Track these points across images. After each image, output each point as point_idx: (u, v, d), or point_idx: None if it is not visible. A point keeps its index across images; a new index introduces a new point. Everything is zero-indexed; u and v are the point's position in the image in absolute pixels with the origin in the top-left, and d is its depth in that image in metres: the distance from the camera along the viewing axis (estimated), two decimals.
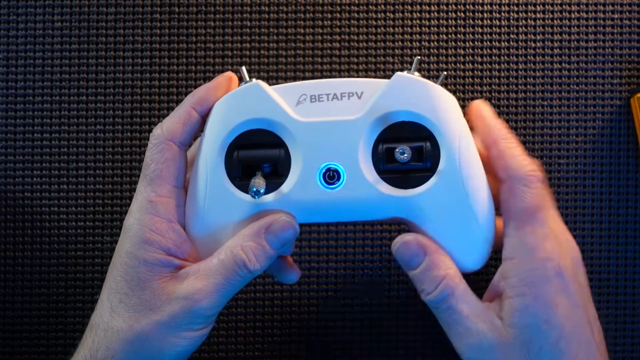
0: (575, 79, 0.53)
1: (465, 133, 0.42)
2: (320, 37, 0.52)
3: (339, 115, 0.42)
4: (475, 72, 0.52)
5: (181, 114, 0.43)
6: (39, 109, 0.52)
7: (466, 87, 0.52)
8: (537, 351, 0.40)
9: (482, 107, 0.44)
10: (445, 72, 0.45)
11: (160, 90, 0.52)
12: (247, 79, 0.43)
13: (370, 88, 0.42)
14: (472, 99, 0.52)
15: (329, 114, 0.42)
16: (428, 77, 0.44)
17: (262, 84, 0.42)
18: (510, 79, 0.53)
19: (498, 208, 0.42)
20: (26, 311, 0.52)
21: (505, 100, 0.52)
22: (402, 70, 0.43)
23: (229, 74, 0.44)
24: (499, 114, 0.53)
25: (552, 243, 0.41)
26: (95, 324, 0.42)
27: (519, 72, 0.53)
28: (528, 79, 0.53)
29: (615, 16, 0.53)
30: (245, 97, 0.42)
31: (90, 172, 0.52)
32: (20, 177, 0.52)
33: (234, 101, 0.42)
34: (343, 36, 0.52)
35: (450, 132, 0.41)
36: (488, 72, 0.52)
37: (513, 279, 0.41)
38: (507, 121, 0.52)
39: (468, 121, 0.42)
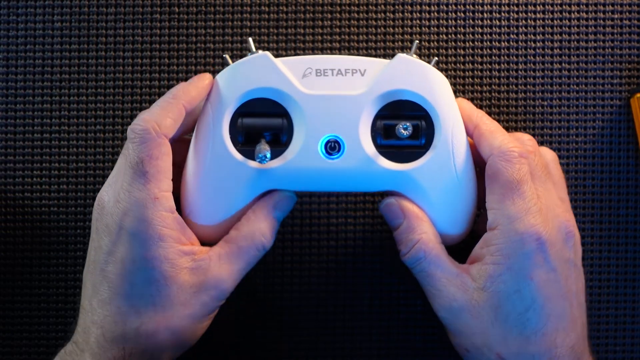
0: (575, 79, 0.53)
1: (458, 115, 0.45)
2: (320, 37, 0.52)
3: (343, 90, 0.44)
4: (475, 72, 0.52)
5: (175, 112, 0.43)
6: (39, 109, 0.52)
7: (466, 87, 0.52)
8: (504, 317, 0.43)
9: (462, 101, 0.46)
10: (436, 58, 0.47)
11: (160, 90, 0.52)
12: (254, 49, 0.45)
13: (373, 66, 0.44)
14: (472, 99, 0.52)
15: (333, 88, 0.44)
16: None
17: (270, 55, 0.44)
18: (510, 79, 0.53)
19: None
20: (26, 311, 0.52)
21: (505, 100, 0.52)
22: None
23: (210, 76, 0.45)
24: (499, 113, 0.53)
25: (534, 216, 0.43)
26: (120, 334, 0.42)
27: (519, 72, 0.53)
28: (528, 79, 0.53)
29: (615, 16, 0.53)
30: (253, 66, 0.44)
31: (90, 172, 0.52)
32: (20, 177, 0.52)
33: (243, 70, 0.44)
34: (343, 36, 0.52)
35: (446, 114, 0.44)
36: (488, 72, 0.52)
37: (492, 247, 0.43)
38: (507, 121, 0.52)
39: None
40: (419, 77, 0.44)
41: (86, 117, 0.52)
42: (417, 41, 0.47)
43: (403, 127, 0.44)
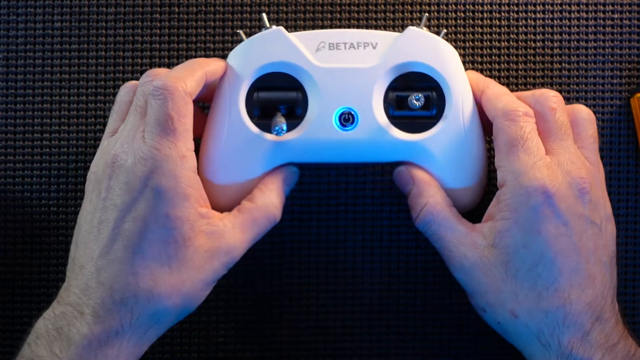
0: (575, 78, 0.53)
1: (468, 86, 0.46)
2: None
3: (355, 62, 0.45)
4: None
5: (199, 76, 0.44)
6: (39, 109, 0.52)
7: None
8: (514, 273, 0.43)
9: (470, 72, 0.48)
10: (445, 30, 0.48)
11: None
12: (268, 25, 0.47)
13: (385, 39, 0.46)
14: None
15: (346, 61, 0.45)
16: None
17: (283, 30, 0.46)
18: (511, 78, 0.53)
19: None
20: (26, 311, 0.52)
21: None
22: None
23: (224, 60, 0.46)
24: None
25: (540, 170, 0.43)
26: (132, 296, 0.41)
27: (519, 72, 0.53)
28: (528, 79, 0.53)
29: (615, 16, 0.53)
30: (268, 41, 0.46)
31: None
32: (20, 177, 0.52)
33: (257, 45, 0.46)
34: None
35: (456, 84, 0.46)
36: (488, 72, 0.52)
37: (501, 204, 0.44)
38: None
39: None
40: (430, 49, 0.46)
41: (86, 117, 0.52)
42: (427, 14, 0.48)
43: (415, 98, 0.45)
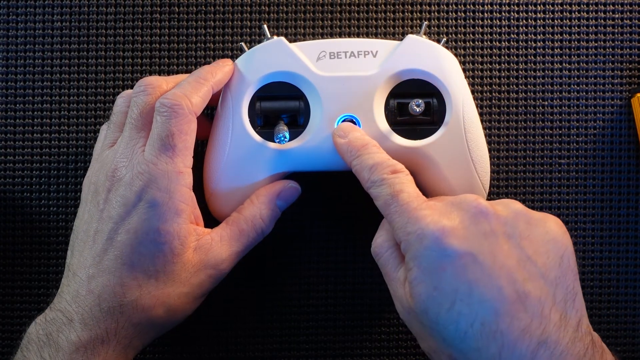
0: (575, 78, 0.53)
1: (468, 92, 0.47)
2: (320, 38, 0.52)
3: (356, 71, 0.46)
4: (476, 72, 0.52)
5: (204, 92, 0.44)
6: (39, 109, 0.52)
7: None
8: (435, 319, 0.39)
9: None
10: (445, 38, 0.49)
11: None
12: (269, 35, 0.47)
13: (385, 47, 0.46)
14: (473, 99, 0.52)
15: (347, 70, 0.46)
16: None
17: (285, 40, 0.46)
18: (511, 79, 0.52)
19: None
20: (25, 311, 0.52)
21: (505, 100, 0.52)
22: None
23: (231, 61, 0.47)
24: (500, 113, 0.52)
25: (426, 212, 0.40)
26: (118, 306, 0.42)
27: (519, 72, 0.52)
28: (528, 79, 0.52)
29: (616, 16, 0.53)
30: (269, 51, 0.46)
31: None
32: (20, 177, 0.52)
33: (259, 55, 0.46)
34: (343, 36, 0.52)
35: (456, 90, 0.46)
36: (488, 72, 0.52)
37: (405, 255, 0.41)
38: (507, 121, 0.52)
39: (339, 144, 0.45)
40: (429, 57, 0.46)
41: (86, 117, 0.52)
42: (426, 22, 0.48)
43: (416, 104, 0.45)
